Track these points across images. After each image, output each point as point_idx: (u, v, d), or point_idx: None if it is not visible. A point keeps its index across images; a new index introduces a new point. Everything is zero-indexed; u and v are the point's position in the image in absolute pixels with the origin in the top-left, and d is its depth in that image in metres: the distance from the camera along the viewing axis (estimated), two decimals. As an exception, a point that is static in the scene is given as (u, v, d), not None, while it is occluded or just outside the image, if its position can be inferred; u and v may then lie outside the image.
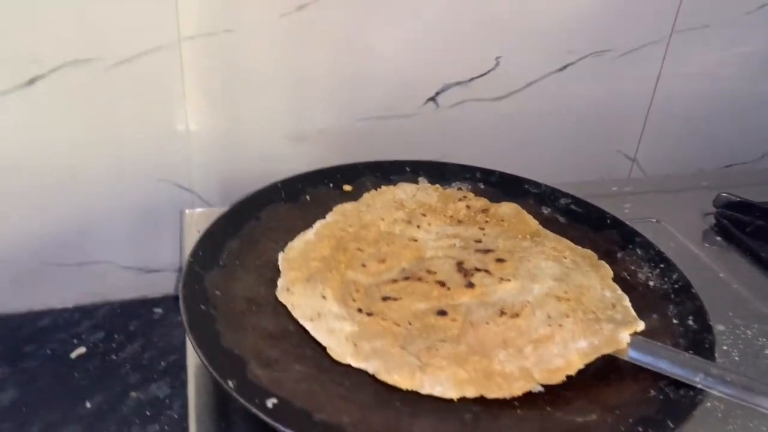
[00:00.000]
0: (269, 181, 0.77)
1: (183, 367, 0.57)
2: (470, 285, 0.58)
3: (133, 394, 0.73)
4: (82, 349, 0.79)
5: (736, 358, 0.60)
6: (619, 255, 0.65)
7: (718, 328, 0.64)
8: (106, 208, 0.82)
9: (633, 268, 0.63)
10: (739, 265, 0.74)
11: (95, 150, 0.77)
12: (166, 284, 0.89)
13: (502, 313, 0.54)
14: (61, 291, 0.86)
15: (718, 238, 0.79)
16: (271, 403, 0.43)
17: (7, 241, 0.81)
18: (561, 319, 0.53)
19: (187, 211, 0.73)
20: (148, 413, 0.71)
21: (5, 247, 0.81)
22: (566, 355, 0.50)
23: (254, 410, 0.41)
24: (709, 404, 0.55)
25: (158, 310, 0.87)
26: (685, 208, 0.84)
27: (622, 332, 0.52)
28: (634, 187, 0.86)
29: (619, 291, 0.59)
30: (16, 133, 0.74)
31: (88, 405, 0.72)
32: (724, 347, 0.62)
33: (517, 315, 0.54)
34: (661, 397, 0.48)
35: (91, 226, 0.83)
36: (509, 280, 0.58)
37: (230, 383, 0.43)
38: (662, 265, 0.62)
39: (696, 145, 1.04)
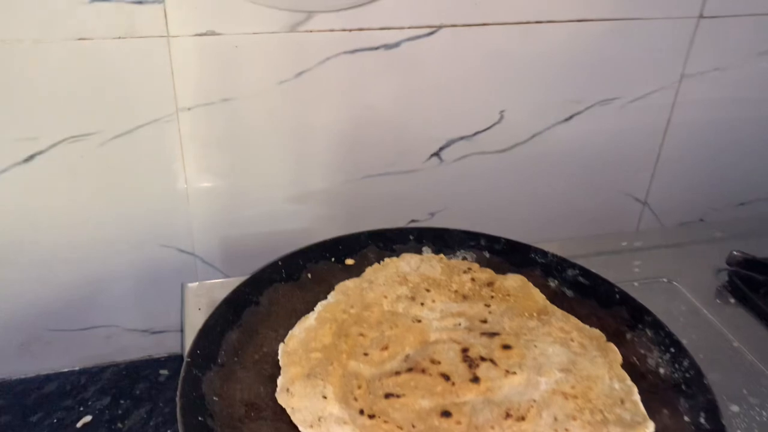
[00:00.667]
0: (270, 242, 0.76)
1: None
2: (475, 379, 0.57)
3: (139, 468, 0.73)
4: (88, 418, 0.79)
5: (751, 445, 0.59)
6: (628, 336, 0.63)
7: (732, 409, 0.62)
8: (110, 276, 0.82)
9: (642, 351, 0.61)
10: (754, 331, 0.72)
11: (97, 220, 0.77)
12: (171, 343, 0.89)
13: (508, 415, 0.53)
14: (67, 355, 0.86)
15: (732, 300, 0.77)
16: None
17: (13, 309, 0.81)
18: (567, 422, 0.52)
19: (188, 285, 0.72)
20: (154, 489, 0.71)
21: (12, 315, 0.81)
22: (572, 466, 0.49)
23: None
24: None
25: (164, 372, 0.87)
26: (697, 264, 0.82)
27: (630, 438, 0.50)
28: (644, 242, 0.84)
29: (628, 381, 0.57)
30: (17, 208, 0.73)
31: (94, 481, 0.72)
32: (738, 431, 0.60)
33: (522, 418, 0.52)
34: None
35: (96, 293, 0.83)
36: (515, 373, 0.57)
37: None
38: (672, 350, 0.60)
39: (709, 184, 1.02)
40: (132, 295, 0.83)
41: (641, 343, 0.62)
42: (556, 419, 0.52)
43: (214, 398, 0.53)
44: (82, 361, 0.86)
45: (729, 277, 0.79)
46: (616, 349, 0.61)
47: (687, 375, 0.58)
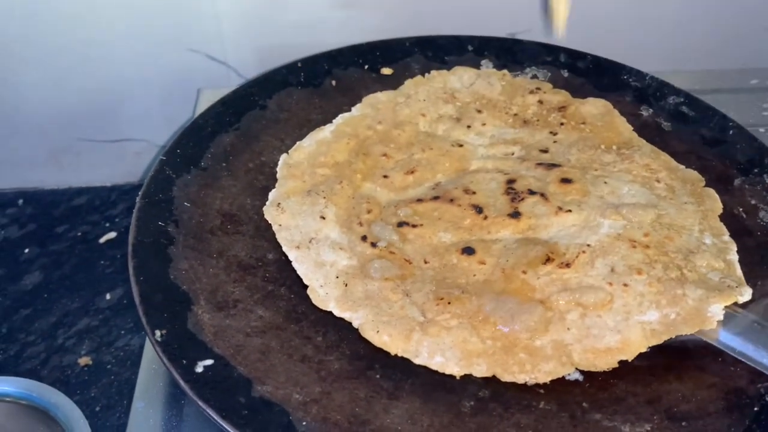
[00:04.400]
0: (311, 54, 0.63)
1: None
2: (516, 214, 0.44)
3: (155, 287, 0.67)
4: (112, 234, 0.74)
5: None
6: (736, 182, 0.47)
7: None
8: (136, 81, 0.74)
9: (753, 202, 0.45)
10: None
11: (120, 17, 0.68)
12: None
13: (549, 259, 0.40)
14: (98, 168, 0.80)
15: None
16: (202, 366, 0.33)
17: (40, 114, 0.76)
18: (628, 275, 0.38)
19: (204, 90, 0.62)
20: (166, 312, 0.65)
21: (39, 120, 0.76)
22: (625, 330, 0.36)
23: (174, 374, 0.32)
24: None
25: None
26: None
27: (713, 303, 0.36)
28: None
29: (726, 236, 0.43)
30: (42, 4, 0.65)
31: (108, 297, 0.67)
32: None
33: (567, 265, 0.39)
34: (756, 408, 0.33)
35: (123, 101, 0.76)
36: (570, 210, 0.43)
37: (157, 333, 0.34)
38: (798, 203, 0.44)
39: None
40: (161, 106, 0.75)
41: (754, 191, 0.46)
42: (613, 270, 0.39)
43: (186, 204, 0.43)
44: (113, 177, 0.81)
45: None
46: (716, 196, 0.45)
47: (813, 236, 0.42)
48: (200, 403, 0.31)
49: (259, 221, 0.44)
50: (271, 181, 0.47)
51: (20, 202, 0.77)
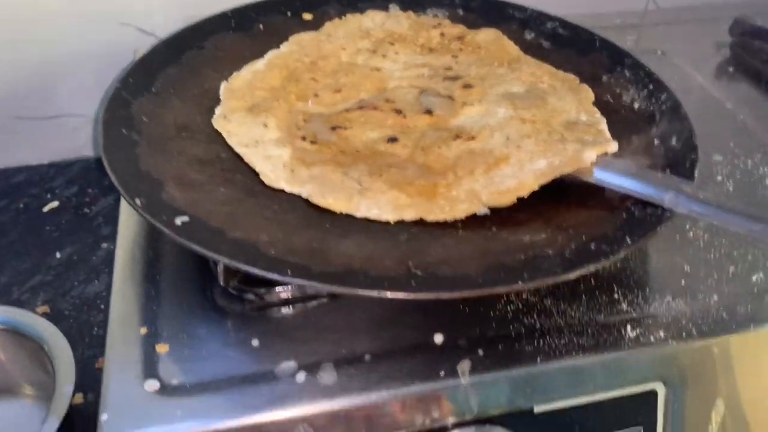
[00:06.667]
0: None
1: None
2: (428, 111, 0.52)
3: (104, 245, 0.71)
4: (54, 203, 0.77)
5: (731, 189, 0.54)
6: (604, 78, 0.57)
7: (715, 158, 0.57)
8: (69, 56, 0.78)
9: (618, 90, 0.56)
10: (750, 96, 0.66)
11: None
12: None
13: (458, 136, 0.49)
14: (36, 147, 0.83)
15: (730, 69, 0.70)
16: (180, 221, 0.39)
17: (-27, 95, 0.77)
18: (520, 140, 0.48)
19: (140, 51, 0.67)
20: (117, 263, 0.69)
21: (-28, 101, 0.78)
22: (520, 176, 0.45)
23: (158, 225, 0.38)
24: (691, 233, 0.50)
25: (135, 166, 0.84)
26: (697, 39, 0.74)
27: (588, 152, 0.46)
28: (641, 19, 0.77)
29: (598, 114, 0.53)
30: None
31: (58, 255, 0.70)
32: (719, 177, 0.55)
33: (472, 138, 0.48)
34: (625, 215, 0.42)
35: (58, 77, 0.79)
36: (472, 105, 0.52)
37: (138, 201, 0.40)
38: (651, 86, 0.55)
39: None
40: (95, 80, 0.79)
41: (618, 83, 0.57)
42: (508, 138, 0.48)
43: (143, 118, 0.49)
44: (50, 154, 0.84)
45: (731, 47, 0.72)
46: (589, 88, 0.56)
47: (663, 107, 0.53)
48: (186, 242, 0.37)
49: (209, 132, 0.50)
50: (215, 102, 0.53)
51: (-44, 183, 0.79)
